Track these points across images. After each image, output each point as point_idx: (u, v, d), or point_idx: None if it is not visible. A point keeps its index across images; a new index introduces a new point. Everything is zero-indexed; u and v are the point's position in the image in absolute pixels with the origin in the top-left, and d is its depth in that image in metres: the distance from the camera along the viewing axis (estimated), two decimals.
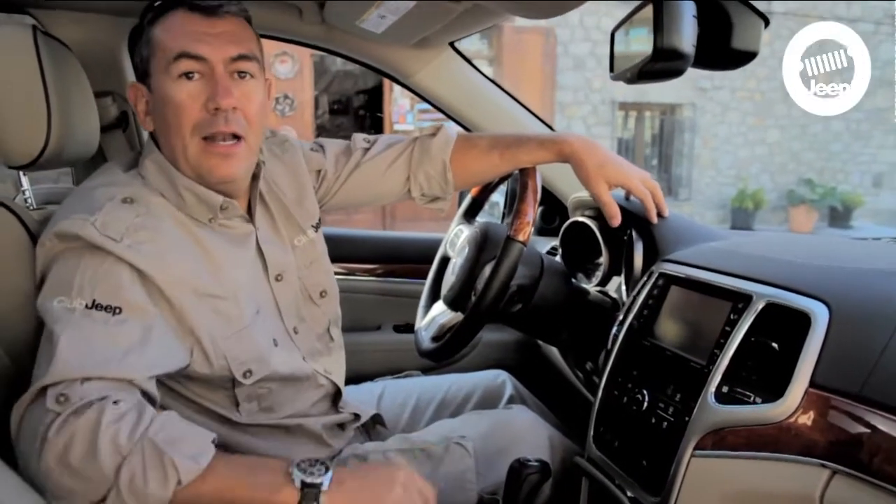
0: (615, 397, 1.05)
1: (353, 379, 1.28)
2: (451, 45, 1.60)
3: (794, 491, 0.77)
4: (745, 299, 0.90)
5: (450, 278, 1.27)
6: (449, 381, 1.41)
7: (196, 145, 0.95)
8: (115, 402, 0.78)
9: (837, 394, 0.76)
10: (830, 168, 11.33)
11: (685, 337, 0.99)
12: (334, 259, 1.24)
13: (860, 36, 3.86)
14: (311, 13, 1.47)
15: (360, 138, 1.29)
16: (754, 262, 0.99)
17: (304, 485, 0.77)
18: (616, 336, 1.09)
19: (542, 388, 1.50)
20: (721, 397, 0.86)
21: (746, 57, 0.96)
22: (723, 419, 0.84)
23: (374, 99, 10.10)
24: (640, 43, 0.99)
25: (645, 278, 1.11)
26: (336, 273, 1.24)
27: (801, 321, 0.82)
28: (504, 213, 1.79)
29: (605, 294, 1.29)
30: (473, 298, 1.15)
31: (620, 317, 1.11)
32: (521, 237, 1.08)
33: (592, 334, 1.22)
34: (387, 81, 8.74)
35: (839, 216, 10.93)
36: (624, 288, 1.22)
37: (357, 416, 1.19)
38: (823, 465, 0.75)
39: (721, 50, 0.94)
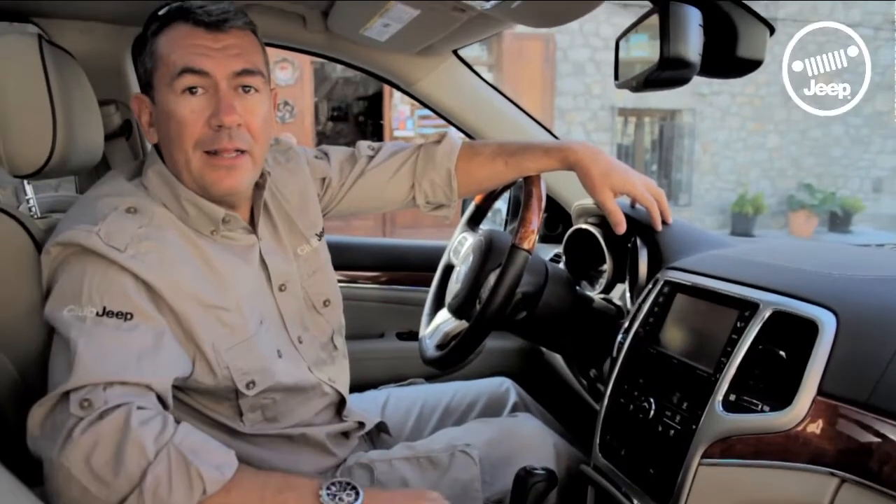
0: (621, 405, 1.04)
1: (356, 387, 1.28)
2: (455, 52, 1.60)
3: (802, 499, 0.77)
4: (751, 307, 0.90)
5: (454, 286, 1.27)
6: (453, 388, 1.40)
7: (199, 159, 0.95)
8: (139, 408, 0.78)
9: (846, 402, 0.76)
10: (830, 173, 11.32)
11: (691, 345, 0.99)
12: (337, 267, 1.23)
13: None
14: (314, 21, 1.48)
15: (364, 146, 1.29)
16: (760, 269, 0.99)
17: None
18: (622, 344, 1.09)
19: (545, 395, 1.50)
20: (728, 405, 0.86)
21: (751, 65, 0.95)
22: (730, 427, 0.84)
23: (375, 105, 10.13)
24: (645, 51, 0.99)
25: (650, 286, 1.11)
26: (339, 281, 1.24)
27: (809, 329, 0.82)
28: (507, 221, 1.79)
29: (609, 301, 1.29)
30: (478, 306, 1.15)
31: (626, 324, 1.11)
32: (526, 245, 1.08)
33: (596, 342, 1.22)
34: (387, 88, 8.78)
35: (839, 221, 10.92)
36: (628, 295, 1.22)
37: (361, 425, 1.18)
38: (832, 474, 0.75)
39: (726, 58, 0.94)
